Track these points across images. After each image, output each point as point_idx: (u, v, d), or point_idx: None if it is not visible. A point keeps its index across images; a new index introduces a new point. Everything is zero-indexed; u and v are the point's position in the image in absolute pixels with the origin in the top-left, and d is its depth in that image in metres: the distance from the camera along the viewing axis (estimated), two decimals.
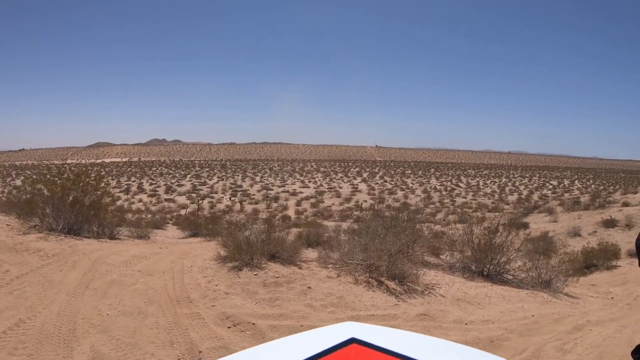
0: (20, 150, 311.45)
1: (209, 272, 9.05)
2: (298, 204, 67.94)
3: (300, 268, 9.88)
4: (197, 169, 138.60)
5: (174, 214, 48.85)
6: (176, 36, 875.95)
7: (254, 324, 6.83)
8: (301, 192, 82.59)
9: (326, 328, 2.10)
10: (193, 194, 73.97)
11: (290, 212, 56.56)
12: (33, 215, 15.07)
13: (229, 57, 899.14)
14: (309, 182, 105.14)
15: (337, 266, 10.10)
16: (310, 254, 11.75)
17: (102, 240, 13.25)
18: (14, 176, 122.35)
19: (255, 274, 8.91)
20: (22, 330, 6.81)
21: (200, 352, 5.82)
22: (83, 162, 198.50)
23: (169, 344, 6.02)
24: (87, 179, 15.47)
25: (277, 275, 8.97)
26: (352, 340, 1.81)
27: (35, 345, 6.31)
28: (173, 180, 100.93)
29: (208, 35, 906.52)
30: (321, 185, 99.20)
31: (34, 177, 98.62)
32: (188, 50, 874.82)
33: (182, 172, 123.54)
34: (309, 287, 8.59)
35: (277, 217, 49.72)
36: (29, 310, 7.53)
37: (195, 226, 23.90)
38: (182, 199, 66.44)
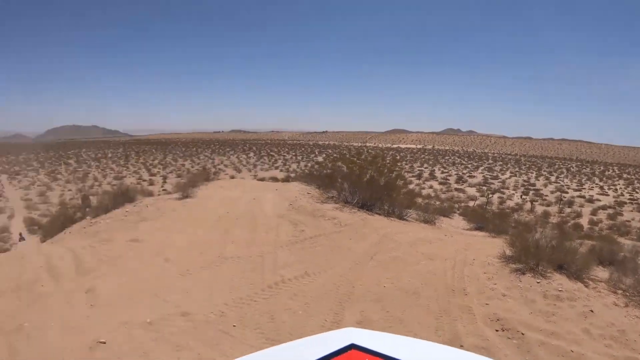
0: (323, 132, 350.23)
1: (490, 269, 8.78)
2: (593, 212, 60.49)
3: (586, 286, 8.87)
4: (490, 161, 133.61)
5: (462, 204, 48.26)
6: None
7: (523, 334, 6.47)
8: (598, 200, 73.02)
9: (326, 334, 2.05)
10: (483, 187, 71.64)
11: (583, 221, 51.07)
12: (331, 187, 16.80)
13: None
14: (609, 189, 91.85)
15: (627, 294, 8.83)
16: (600, 272, 10.53)
17: (391, 218, 14.01)
18: (316, 153, 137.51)
19: (538, 282, 8.28)
20: (306, 282, 7.80)
21: (461, 346, 5.81)
22: (380, 146, 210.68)
23: (433, 330, 6.17)
24: (383, 162, 16.44)
25: (560, 289, 8.20)
26: (352, 347, 1.79)
27: (313, 297, 7.16)
28: (465, 171, 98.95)
29: None
30: (622, 194, 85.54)
31: (335, 155, 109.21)
32: None
33: (475, 164, 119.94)
34: (591, 310, 7.67)
35: (569, 224, 45.41)
36: (315, 266, 8.57)
37: (482, 220, 23.33)
38: (471, 191, 65.15)
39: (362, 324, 6.28)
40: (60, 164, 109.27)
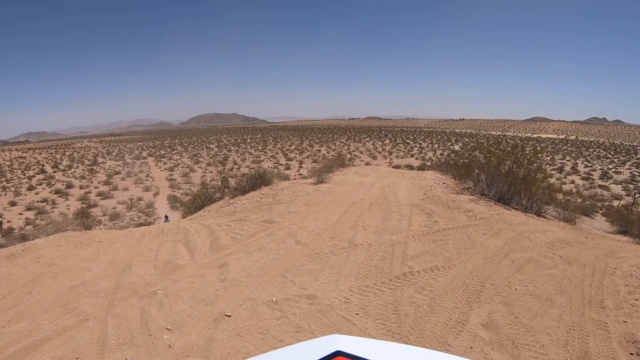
0: (460, 119, 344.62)
1: (633, 281, 7.74)
2: None
3: None
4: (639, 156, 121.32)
5: (605, 203, 44.56)
6: None
7: None
8: None
9: (311, 341, 1.99)
10: (630, 185, 65.03)
11: None
12: (468, 178, 16.28)
13: None
14: None
15: None
16: None
17: (529, 214, 13.24)
18: (453, 142, 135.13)
19: None
20: (434, 276, 7.53)
21: None
22: (519, 135, 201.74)
23: (562, 344, 5.58)
24: (523, 152, 15.62)
25: None
26: (338, 354, 1.77)
27: (440, 292, 6.87)
28: (610, 166, 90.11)
29: None
30: None
31: (472, 144, 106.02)
32: None
33: (622, 158, 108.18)
34: None
35: None
36: (445, 260, 8.25)
37: (626, 222, 21.31)
38: (617, 188, 59.62)
39: (488, 327, 5.88)
40: (202, 149, 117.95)
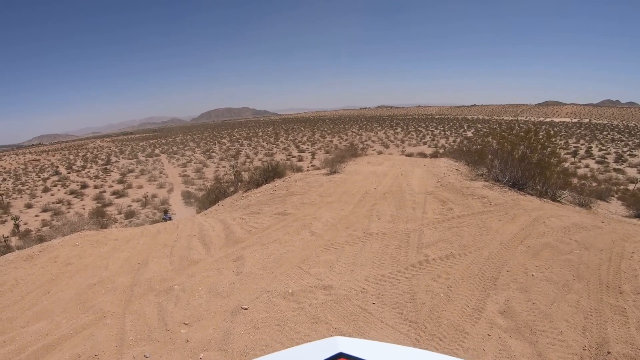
0: (472, 105, 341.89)
1: None
2: None
3: None
4: None
5: (621, 187, 43.91)
6: None
7: None
8: None
9: (313, 343, 1.98)
10: None
11: None
12: (481, 164, 16.16)
13: None
14: None
15: None
16: None
17: (544, 200, 13.10)
18: (465, 128, 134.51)
19: None
20: (450, 263, 7.48)
21: (609, 353, 5.05)
22: (532, 119, 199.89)
23: (581, 330, 5.51)
24: (536, 137, 15.46)
25: None
26: (340, 355, 1.77)
27: (456, 280, 6.82)
28: (625, 149, 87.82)
29: None
30: None
31: (484, 130, 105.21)
32: None
33: (636, 141, 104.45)
34: None
35: None
36: (461, 248, 8.19)
37: None
38: (632, 172, 58.45)
39: (505, 314, 5.82)
40: (214, 144, 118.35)
